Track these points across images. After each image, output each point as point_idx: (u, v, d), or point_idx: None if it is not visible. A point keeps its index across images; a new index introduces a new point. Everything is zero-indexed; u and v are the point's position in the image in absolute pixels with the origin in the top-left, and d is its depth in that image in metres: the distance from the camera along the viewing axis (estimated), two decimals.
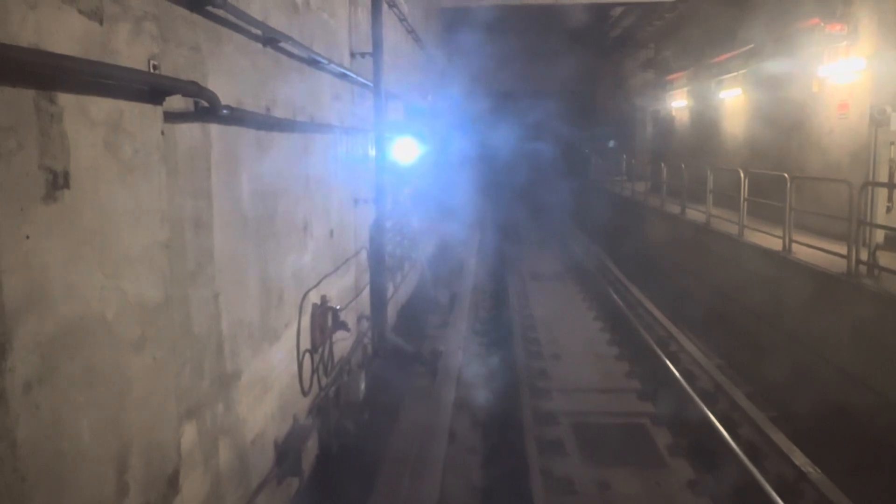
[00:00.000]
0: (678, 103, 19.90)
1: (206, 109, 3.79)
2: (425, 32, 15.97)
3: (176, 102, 3.52)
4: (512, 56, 27.30)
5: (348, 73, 7.61)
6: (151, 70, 3.02)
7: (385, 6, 9.49)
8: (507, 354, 9.97)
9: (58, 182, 2.41)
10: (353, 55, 8.19)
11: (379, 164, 8.70)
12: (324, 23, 6.94)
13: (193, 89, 3.39)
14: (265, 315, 5.13)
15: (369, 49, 8.41)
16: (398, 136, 9.79)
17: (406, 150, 9.94)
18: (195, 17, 3.90)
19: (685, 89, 19.12)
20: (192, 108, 3.80)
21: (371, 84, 8.36)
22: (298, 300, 5.96)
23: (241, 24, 4.55)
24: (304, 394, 6.09)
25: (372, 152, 8.80)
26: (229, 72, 4.46)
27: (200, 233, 3.96)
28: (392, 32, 10.74)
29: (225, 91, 4.13)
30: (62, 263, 2.46)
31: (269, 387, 5.20)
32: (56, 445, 2.42)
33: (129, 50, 2.87)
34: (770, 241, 10.32)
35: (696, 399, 7.95)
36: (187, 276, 3.75)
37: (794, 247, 9.69)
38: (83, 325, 2.58)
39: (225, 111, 3.93)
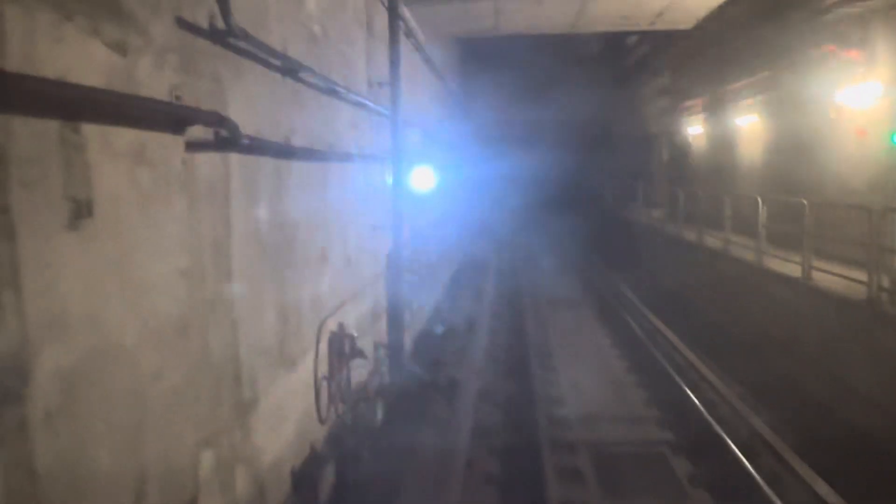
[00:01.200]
0: (694, 129, 19.88)
1: (227, 139, 3.84)
2: (441, 61, 16.13)
3: (196, 132, 3.57)
4: (527, 84, 27.51)
5: (366, 102, 7.69)
6: (173, 100, 3.06)
7: (402, 36, 9.60)
8: (524, 382, 9.90)
9: (81, 211, 2.44)
10: (370, 84, 8.28)
11: (396, 192, 8.75)
12: (342, 52, 7.03)
13: (215, 119, 3.44)
14: (283, 342, 5.14)
15: (386, 78, 8.50)
16: (415, 164, 9.86)
17: (422, 179, 10.00)
18: (216, 48, 3.96)
19: (701, 116, 19.11)
20: (211, 137, 3.85)
21: (388, 113, 8.44)
22: (316, 327, 5.97)
23: (260, 54, 4.62)
24: (321, 421, 6.07)
25: (389, 180, 8.85)
26: (249, 101, 4.52)
27: (219, 261, 3.99)
28: (408, 62, 10.85)
29: (244, 120, 4.19)
30: (83, 292, 2.49)
31: (286, 414, 5.19)
32: (75, 474, 2.42)
33: (152, 81, 2.92)
34: (789, 267, 10.23)
35: (716, 427, 7.84)
36: (206, 303, 3.77)
37: (814, 273, 9.59)
38: (103, 352, 2.59)
39: (245, 140, 3.97)
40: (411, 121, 10.61)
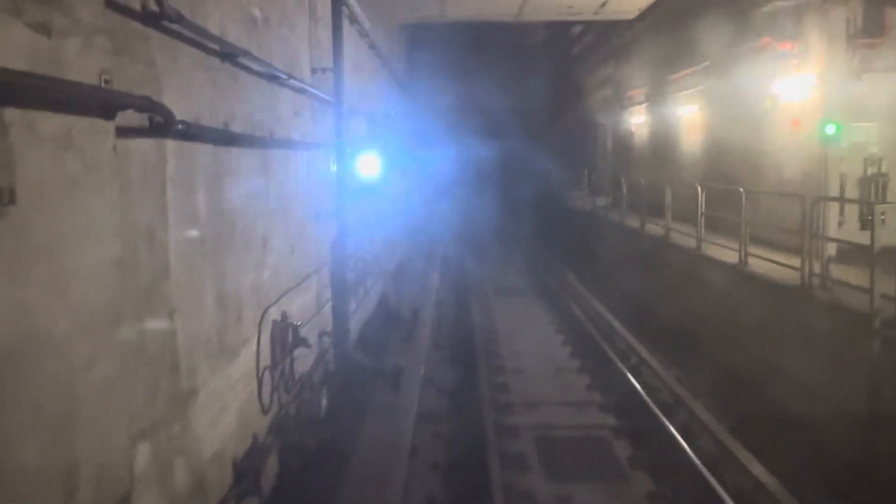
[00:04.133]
0: (637, 119, 20.22)
1: (161, 125, 3.74)
2: (388, 48, 16.01)
3: (130, 118, 3.47)
4: (474, 72, 27.57)
5: (309, 88, 7.59)
6: (103, 84, 2.97)
7: (346, 22, 9.49)
8: (468, 369, 9.98)
9: (2, 198, 2.35)
10: (313, 70, 8.17)
11: (340, 180, 8.68)
12: (283, 38, 6.92)
13: (146, 104, 3.35)
14: (223, 332, 5.06)
15: (330, 65, 8.40)
16: (360, 151, 9.79)
17: (368, 165, 9.93)
18: (150, 31, 3.86)
19: (644, 105, 19.44)
20: (146, 123, 3.75)
21: (332, 99, 8.35)
22: (258, 316, 5.89)
23: (197, 38, 4.51)
24: (265, 412, 6.01)
25: (333, 167, 8.77)
26: (186, 87, 4.42)
27: (155, 249, 3.90)
28: (353, 48, 10.74)
29: (181, 106, 4.09)
30: (7, 281, 2.40)
31: (227, 405, 5.12)
32: None
33: (80, 64, 2.82)
34: (727, 254, 10.50)
35: (654, 409, 8.03)
36: (141, 292, 3.69)
37: (750, 260, 9.87)
38: (30, 344, 2.51)
39: (180, 126, 3.89)
40: (356, 108, 10.52)
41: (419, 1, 13.50)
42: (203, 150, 4.68)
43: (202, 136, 4.60)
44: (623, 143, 22.42)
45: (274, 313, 6.27)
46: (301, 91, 7.38)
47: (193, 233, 4.53)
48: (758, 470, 6.53)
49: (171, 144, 4.11)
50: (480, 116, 29.37)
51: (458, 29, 19.95)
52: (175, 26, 4.07)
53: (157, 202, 3.93)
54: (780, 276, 8.92)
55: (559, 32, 26.28)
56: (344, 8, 9.04)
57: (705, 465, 6.72)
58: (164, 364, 4.00)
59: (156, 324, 3.88)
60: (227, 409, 5.12)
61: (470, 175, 28.21)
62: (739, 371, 9.45)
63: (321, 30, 8.58)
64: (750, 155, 12.69)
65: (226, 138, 5.10)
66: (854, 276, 8.02)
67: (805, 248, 8.37)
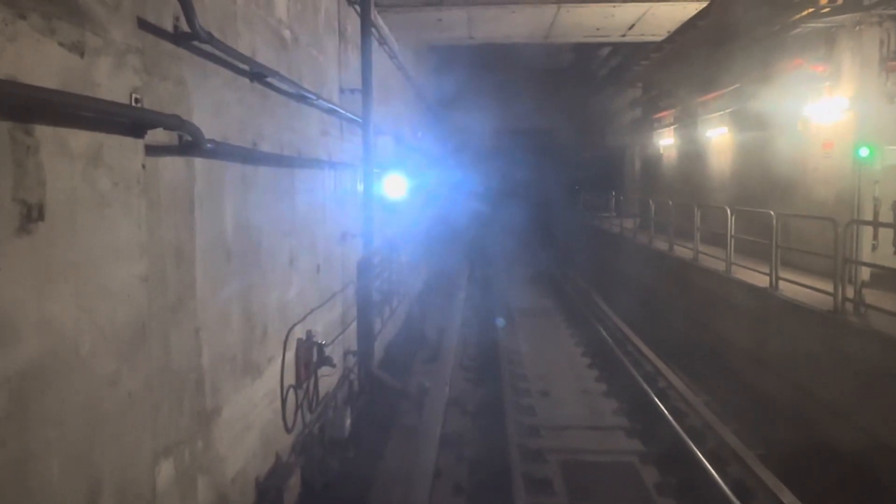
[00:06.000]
0: (666, 141, 20.07)
1: (190, 143, 3.79)
2: (416, 70, 16.14)
3: (159, 136, 3.52)
4: (502, 94, 27.65)
5: (337, 108, 7.65)
6: (133, 103, 3.01)
7: (375, 44, 9.59)
8: (492, 386, 9.89)
9: (32, 215, 2.38)
10: (342, 91, 8.25)
11: (367, 199, 8.71)
12: (313, 59, 7.00)
13: (175, 123, 3.39)
14: (248, 350, 5.07)
15: (359, 85, 8.47)
16: (387, 171, 9.83)
17: (394, 185, 9.97)
18: (181, 51, 3.92)
19: (672, 127, 19.31)
20: (175, 141, 3.80)
21: (360, 120, 8.40)
22: (283, 335, 5.91)
23: (227, 59, 4.58)
24: (288, 430, 6.01)
25: (360, 187, 8.81)
26: (215, 106, 4.47)
27: (182, 266, 3.93)
28: (382, 69, 10.83)
29: (210, 125, 4.14)
30: (35, 297, 2.42)
31: (250, 423, 5.12)
32: (23, 484, 2.35)
33: (111, 83, 2.86)
34: (757, 277, 10.34)
35: (683, 435, 7.88)
36: (167, 309, 3.71)
37: (781, 284, 9.70)
38: (56, 359, 2.53)
39: (209, 145, 3.93)
40: (384, 128, 10.58)
41: (447, 24, 13.57)
42: (231, 169, 4.73)
43: (230, 155, 4.65)
44: (651, 165, 22.27)
45: (299, 332, 6.29)
46: (329, 111, 7.45)
47: (220, 250, 4.56)
48: (788, 499, 6.36)
49: (199, 163, 4.15)
50: (508, 137, 29.43)
51: (487, 51, 20.01)
52: (206, 46, 4.13)
53: (184, 220, 3.97)
54: (811, 300, 8.75)
55: (587, 54, 26.26)
56: (373, 30, 9.13)
57: (734, 492, 6.55)
58: (188, 381, 4.01)
59: (181, 340, 3.90)
60: (250, 428, 5.12)
61: (496, 195, 28.23)
62: (770, 396, 9.26)
63: (350, 51, 8.67)
64: (781, 178, 12.53)
65: (254, 157, 5.15)
66: (888, 301, 7.86)
67: (838, 273, 8.20)
